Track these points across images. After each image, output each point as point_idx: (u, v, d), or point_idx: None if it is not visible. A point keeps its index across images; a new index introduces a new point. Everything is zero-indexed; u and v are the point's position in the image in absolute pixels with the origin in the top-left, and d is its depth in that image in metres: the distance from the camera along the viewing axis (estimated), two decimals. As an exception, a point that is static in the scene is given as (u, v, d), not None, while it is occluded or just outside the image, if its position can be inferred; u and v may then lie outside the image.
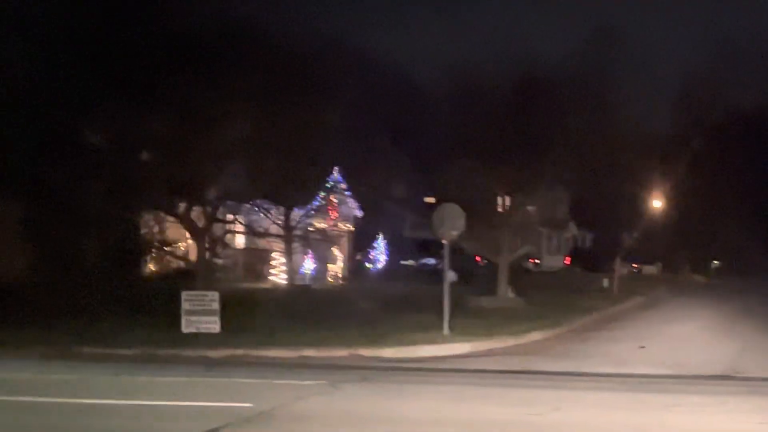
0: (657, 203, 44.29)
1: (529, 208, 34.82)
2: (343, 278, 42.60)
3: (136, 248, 29.69)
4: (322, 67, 28.22)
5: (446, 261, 22.39)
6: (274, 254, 38.36)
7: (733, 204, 51.74)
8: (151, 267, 32.72)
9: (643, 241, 46.55)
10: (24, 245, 25.39)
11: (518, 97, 29.57)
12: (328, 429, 10.68)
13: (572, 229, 64.65)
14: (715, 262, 64.05)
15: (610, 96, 30.40)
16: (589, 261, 54.35)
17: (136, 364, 17.25)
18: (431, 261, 46.72)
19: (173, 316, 19.90)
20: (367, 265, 46.95)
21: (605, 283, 38.27)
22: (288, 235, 35.19)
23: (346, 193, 41.21)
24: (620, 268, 41.30)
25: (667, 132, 39.60)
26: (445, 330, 20.88)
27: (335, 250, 42.93)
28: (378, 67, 34.18)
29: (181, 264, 30.71)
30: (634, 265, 57.45)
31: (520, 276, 34.85)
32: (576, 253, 62.39)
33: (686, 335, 23.65)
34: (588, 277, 44.63)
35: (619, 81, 30.52)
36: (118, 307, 22.84)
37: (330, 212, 40.67)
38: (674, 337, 23.29)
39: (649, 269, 60.44)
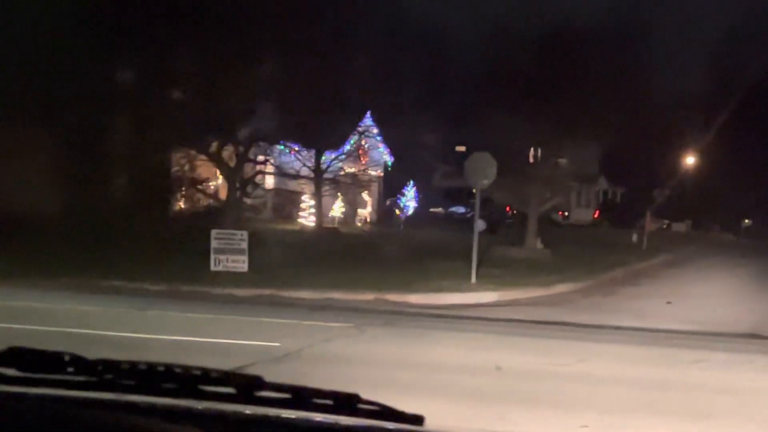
0: (689, 160, 43.88)
1: (560, 160, 34.61)
2: (372, 223, 42.66)
3: (166, 186, 29.79)
4: (354, 12, 28.06)
5: (476, 209, 22.37)
6: (303, 196, 38.46)
7: (765, 163, 51.18)
8: (181, 205, 32.85)
9: (673, 197, 46.24)
10: (53, 181, 25.49)
11: (552, 50, 29.29)
12: (353, 370, 10.72)
13: (602, 183, 64.17)
14: (746, 221, 63.42)
15: (644, 52, 30.05)
16: (619, 216, 54.06)
17: (162, 299, 17.36)
18: (460, 209, 46.69)
19: (202, 254, 20.04)
20: (397, 211, 46.97)
21: (634, 238, 38.06)
22: (318, 178, 35.25)
23: (378, 138, 41.08)
24: (649, 224, 41.04)
25: (702, 90, 39.19)
26: (472, 278, 20.89)
27: (365, 195, 42.97)
28: (412, 15, 34.00)
29: (211, 202, 30.84)
30: (663, 221, 57.06)
31: (548, 228, 34.76)
32: (605, 208, 62.02)
33: (714, 293, 23.50)
34: (616, 231, 44.38)
35: (655, 38, 30.23)
36: (146, 244, 22.92)
37: (361, 157, 40.60)
38: (701, 294, 23.16)
39: (679, 226, 59.94)
